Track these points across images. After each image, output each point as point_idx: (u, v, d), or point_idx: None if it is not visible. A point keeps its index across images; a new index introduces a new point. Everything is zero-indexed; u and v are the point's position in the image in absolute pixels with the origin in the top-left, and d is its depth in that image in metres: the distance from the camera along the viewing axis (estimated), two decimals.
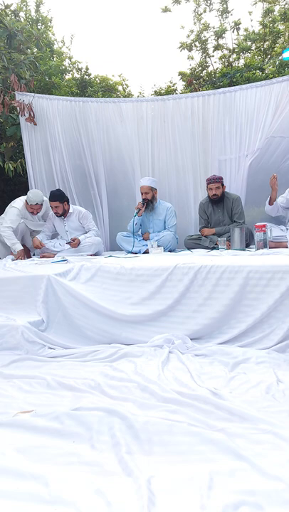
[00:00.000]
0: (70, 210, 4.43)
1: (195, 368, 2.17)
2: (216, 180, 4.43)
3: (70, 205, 4.46)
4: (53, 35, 8.82)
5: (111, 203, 5.49)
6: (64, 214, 4.37)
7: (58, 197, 4.27)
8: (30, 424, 1.55)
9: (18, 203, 4.44)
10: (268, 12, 8.32)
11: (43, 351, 2.55)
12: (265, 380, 1.97)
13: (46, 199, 4.61)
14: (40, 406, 1.74)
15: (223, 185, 4.49)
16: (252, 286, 2.61)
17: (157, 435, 1.45)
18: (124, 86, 9.17)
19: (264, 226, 3.70)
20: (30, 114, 5.12)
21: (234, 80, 7.29)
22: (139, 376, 2.04)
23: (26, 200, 4.41)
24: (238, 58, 8.51)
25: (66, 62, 8.65)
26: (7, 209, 4.43)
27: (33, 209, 4.43)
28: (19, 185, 6.62)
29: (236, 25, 8.23)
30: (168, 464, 1.31)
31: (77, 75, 8.50)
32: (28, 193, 4.43)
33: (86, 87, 8.09)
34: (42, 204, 4.44)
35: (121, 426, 1.51)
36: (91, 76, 8.52)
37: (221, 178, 4.48)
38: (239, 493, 1.14)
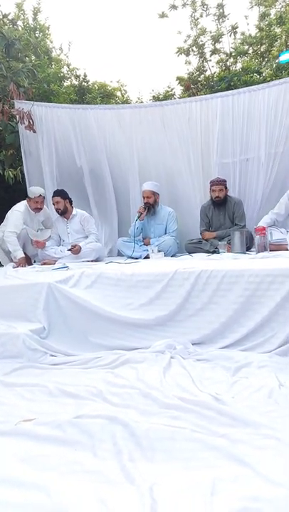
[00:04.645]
0: (74, 212, 4.49)
1: (197, 373, 2.17)
2: (219, 183, 4.45)
3: (74, 208, 4.49)
4: (51, 42, 8.84)
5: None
6: (65, 213, 4.42)
7: (60, 192, 4.42)
8: (33, 432, 1.55)
9: (20, 206, 4.44)
10: (264, 16, 8.34)
11: (45, 359, 2.55)
12: (268, 384, 1.96)
13: (45, 207, 4.65)
14: (42, 414, 1.74)
15: (226, 188, 4.50)
16: (253, 290, 2.61)
17: (160, 442, 1.45)
18: (123, 92, 9.20)
19: (264, 229, 3.70)
20: (29, 122, 5.14)
21: (232, 83, 7.31)
22: (140, 382, 2.04)
23: (28, 198, 4.46)
24: (236, 62, 8.52)
25: (64, 70, 8.68)
26: (8, 214, 4.40)
27: (38, 203, 4.45)
28: (19, 192, 6.60)
29: (233, 29, 8.23)
30: (171, 470, 1.31)
31: (75, 82, 8.53)
32: (28, 189, 4.57)
33: (85, 94, 8.11)
34: (44, 196, 4.54)
35: (123, 433, 1.50)
36: (89, 83, 8.55)
37: (225, 181, 4.51)
38: (243, 500, 1.14)
